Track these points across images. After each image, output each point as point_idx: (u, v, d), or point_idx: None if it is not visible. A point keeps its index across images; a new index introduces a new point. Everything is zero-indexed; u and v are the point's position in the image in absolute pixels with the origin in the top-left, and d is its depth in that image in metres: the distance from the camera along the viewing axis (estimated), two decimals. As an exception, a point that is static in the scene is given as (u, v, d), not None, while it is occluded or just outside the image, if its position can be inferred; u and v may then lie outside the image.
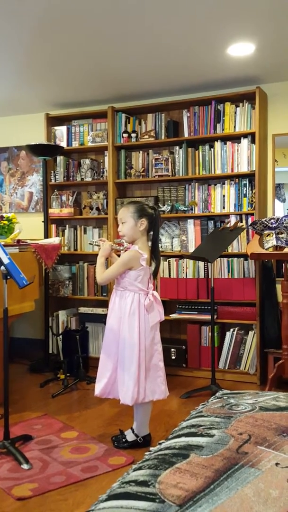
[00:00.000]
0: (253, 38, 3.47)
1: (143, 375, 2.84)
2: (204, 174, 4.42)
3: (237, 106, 4.33)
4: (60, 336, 4.71)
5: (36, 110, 5.22)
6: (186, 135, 4.51)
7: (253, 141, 4.23)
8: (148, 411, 3.00)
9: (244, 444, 1.68)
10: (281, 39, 3.49)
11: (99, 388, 2.93)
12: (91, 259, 4.92)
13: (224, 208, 4.36)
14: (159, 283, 4.53)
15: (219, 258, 4.26)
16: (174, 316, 4.44)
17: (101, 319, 4.60)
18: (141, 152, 4.73)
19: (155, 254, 2.96)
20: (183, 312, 4.45)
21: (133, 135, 4.68)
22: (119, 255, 3.00)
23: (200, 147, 4.44)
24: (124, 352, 2.85)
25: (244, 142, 4.27)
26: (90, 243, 3.28)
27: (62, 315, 4.87)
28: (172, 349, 4.40)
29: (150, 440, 2.99)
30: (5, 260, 2.80)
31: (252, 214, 4.24)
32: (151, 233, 2.96)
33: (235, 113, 4.32)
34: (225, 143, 4.36)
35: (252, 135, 4.23)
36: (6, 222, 4.06)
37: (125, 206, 2.96)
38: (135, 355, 2.82)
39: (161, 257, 4.51)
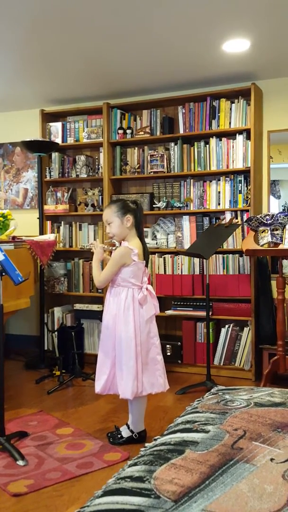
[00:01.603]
0: (248, 34, 3.46)
1: (140, 369, 2.85)
2: (199, 171, 4.42)
3: (232, 102, 4.33)
4: (56, 333, 4.71)
5: (31, 106, 5.20)
6: (181, 131, 4.50)
7: (248, 138, 4.23)
8: (143, 407, 3.01)
9: (239, 439, 1.68)
10: (276, 35, 3.49)
11: (99, 385, 2.93)
12: (87, 255, 4.92)
13: (219, 204, 4.36)
14: (154, 279, 4.53)
15: (214, 255, 4.27)
16: (169, 312, 4.45)
17: (97, 315, 4.60)
18: (136, 148, 4.72)
19: (144, 246, 2.96)
20: (178, 308, 4.46)
21: (128, 131, 4.67)
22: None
23: (196, 143, 4.44)
24: (121, 348, 2.86)
25: (239, 138, 4.27)
26: (81, 248, 3.27)
27: (57, 311, 4.87)
28: (167, 345, 4.41)
29: (146, 436, 2.99)
30: (0, 257, 2.80)
31: (247, 211, 4.24)
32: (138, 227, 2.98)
33: (231, 109, 4.32)
34: (220, 140, 4.36)
35: (247, 131, 4.23)
36: (1, 218, 4.05)
37: (107, 207, 2.96)
38: (132, 350, 2.83)
39: (157, 254, 4.55)
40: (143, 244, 2.97)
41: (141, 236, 2.98)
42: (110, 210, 2.93)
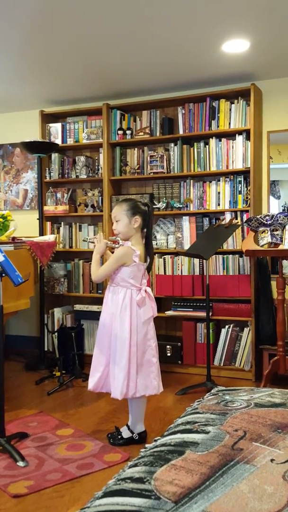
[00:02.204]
0: (248, 35, 3.46)
1: (134, 370, 2.85)
2: (199, 171, 4.42)
3: (232, 103, 4.33)
4: (56, 334, 4.70)
5: (30, 107, 5.20)
6: (181, 132, 4.50)
7: (248, 138, 4.23)
8: (143, 407, 3.00)
9: (239, 440, 1.68)
10: (276, 36, 3.49)
11: (92, 382, 2.95)
12: (87, 256, 4.92)
13: (219, 205, 4.36)
14: (154, 280, 4.53)
15: (214, 255, 4.27)
16: (169, 313, 4.45)
17: (97, 316, 4.55)
18: (136, 149, 4.72)
19: (149, 250, 2.97)
20: (178, 309, 4.45)
21: (128, 132, 4.67)
22: (113, 252, 3.01)
23: (195, 144, 4.44)
24: (115, 347, 2.87)
25: (239, 139, 4.27)
26: (84, 240, 3.28)
27: (57, 312, 4.87)
28: (168, 346, 4.41)
29: (146, 437, 2.99)
30: (0, 258, 2.79)
31: (247, 211, 4.24)
32: (145, 230, 2.97)
33: (230, 110, 4.32)
34: (220, 140, 4.36)
35: (247, 132, 4.23)
36: (1, 219, 4.05)
37: (119, 204, 2.96)
38: (125, 350, 2.83)
39: (156, 254, 4.55)
40: (150, 247, 2.97)
41: (148, 239, 2.98)
42: (120, 207, 2.93)
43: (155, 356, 2.97)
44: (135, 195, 4.65)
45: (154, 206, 4.56)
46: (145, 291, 2.93)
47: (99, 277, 2.92)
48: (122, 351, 2.84)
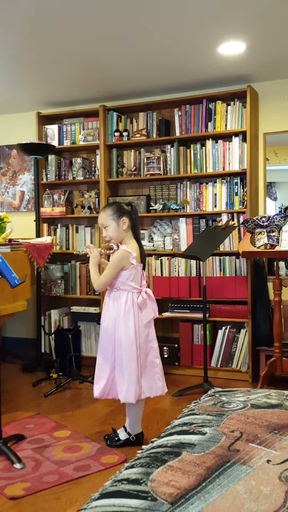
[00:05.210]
0: (244, 36, 3.47)
1: (139, 372, 2.84)
2: (195, 173, 4.43)
3: (228, 104, 4.34)
4: (53, 335, 4.70)
5: (27, 109, 5.20)
6: (177, 133, 4.51)
7: (244, 140, 4.24)
8: (140, 409, 3.00)
9: (235, 441, 1.68)
10: (271, 37, 3.50)
11: (98, 389, 2.92)
12: (83, 258, 4.91)
13: (215, 206, 4.37)
14: (151, 281, 4.53)
15: (211, 257, 4.27)
16: (166, 314, 4.45)
17: (94, 318, 4.60)
18: (132, 151, 4.73)
19: (140, 248, 2.96)
20: (175, 310, 4.46)
21: (125, 133, 4.67)
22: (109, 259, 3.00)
23: (192, 145, 4.45)
24: (121, 352, 2.85)
25: (236, 140, 4.28)
26: (76, 253, 3.16)
27: (54, 314, 4.86)
28: (165, 348, 4.41)
29: (143, 438, 2.99)
30: (-3, 260, 2.79)
31: (243, 213, 4.25)
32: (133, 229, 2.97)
33: (226, 111, 4.33)
34: (217, 142, 4.37)
35: (243, 133, 4.24)
36: (-3, 221, 4.05)
37: (102, 211, 2.96)
38: (134, 353, 2.82)
39: (153, 256, 4.55)
40: (140, 246, 2.97)
41: (137, 238, 2.98)
42: (105, 213, 2.92)
43: (157, 357, 2.97)
44: (131, 197, 4.66)
45: (150, 208, 4.57)
46: (146, 292, 2.92)
47: (101, 285, 2.90)
48: (130, 355, 2.82)
